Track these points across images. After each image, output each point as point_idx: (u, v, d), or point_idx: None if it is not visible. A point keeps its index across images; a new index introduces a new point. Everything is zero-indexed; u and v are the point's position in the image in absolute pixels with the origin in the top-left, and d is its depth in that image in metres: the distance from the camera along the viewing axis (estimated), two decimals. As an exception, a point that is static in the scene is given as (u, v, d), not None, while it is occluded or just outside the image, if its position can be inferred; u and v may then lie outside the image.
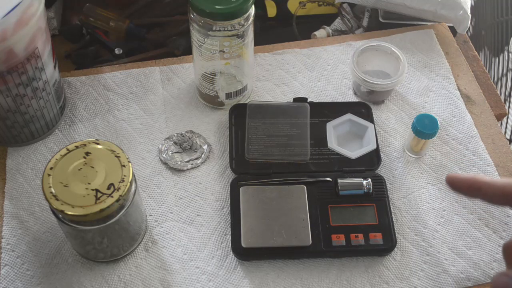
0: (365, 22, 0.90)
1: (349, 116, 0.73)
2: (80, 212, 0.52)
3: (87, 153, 0.56)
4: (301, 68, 0.80)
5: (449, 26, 0.86)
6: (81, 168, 0.55)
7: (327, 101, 0.77)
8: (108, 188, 0.54)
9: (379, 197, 0.66)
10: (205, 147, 0.71)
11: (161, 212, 0.66)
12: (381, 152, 0.71)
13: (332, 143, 0.71)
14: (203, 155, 0.70)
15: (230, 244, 0.62)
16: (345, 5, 0.91)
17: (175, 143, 0.71)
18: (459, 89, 0.79)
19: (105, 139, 0.65)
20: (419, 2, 0.81)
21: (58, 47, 0.84)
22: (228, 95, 0.73)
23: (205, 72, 0.71)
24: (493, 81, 0.94)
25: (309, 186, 0.66)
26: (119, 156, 0.56)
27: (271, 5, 0.92)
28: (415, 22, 0.87)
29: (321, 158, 0.70)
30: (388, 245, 0.62)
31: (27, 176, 0.68)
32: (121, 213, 0.55)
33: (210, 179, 0.69)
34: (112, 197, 0.53)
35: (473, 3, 1.01)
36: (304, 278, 0.61)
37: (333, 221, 0.64)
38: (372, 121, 0.73)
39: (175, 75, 0.79)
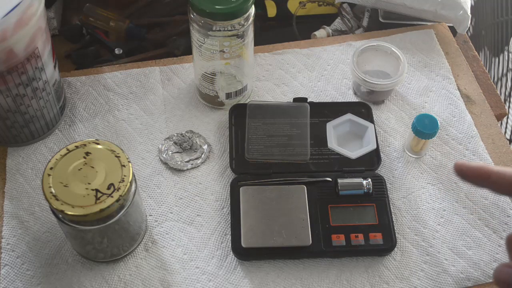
0: (365, 22, 0.90)
1: (349, 116, 0.73)
2: (80, 212, 0.52)
3: (87, 153, 0.56)
4: (301, 68, 0.80)
5: (449, 26, 0.86)
6: (81, 168, 0.55)
7: (327, 101, 0.77)
8: (108, 188, 0.54)
9: (379, 197, 0.66)
10: (205, 147, 0.71)
11: (161, 212, 0.66)
12: (381, 152, 0.71)
13: (332, 143, 0.71)
14: (203, 155, 0.70)
15: (230, 244, 0.62)
16: (345, 5, 0.91)
17: (175, 143, 0.71)
18: (459, 89, 0.79)
19: (105, 139, 0.65)
20: (419, 2, 0.81)
21: (58, 47, 0.84)
22: (228, 95, 0.73)
23: (205, 72, 0.71)
24: (493, 81, 0.94)
25: (309, 186, 0.66)
26: (119, 156, 0.56)
27: (271, 5, 0.92)
28: (415, 22, 0.87)
29: (321, 158, 0.70)
30: (388, 245, 0.62)
31: (27, 176, 0.68)
32: (121, 213, 0.55)
33: (210, 179, 0.69)
34: (112, 197, 0.53)
35: (473, 3, 1.01)
36: (304, 278, 0.61)
37: (333, 221, 0.64)
38: (372, 121, 0.73)
39: (175, 75, 0.79)
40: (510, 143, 0.95)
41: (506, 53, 1.02)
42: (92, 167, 0.55)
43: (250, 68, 0.73)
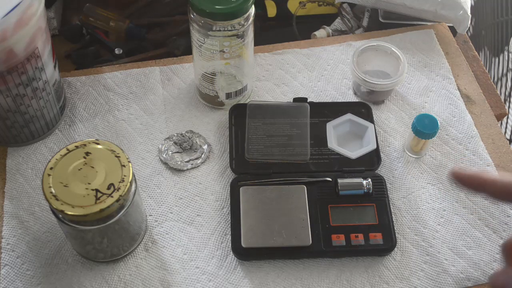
0: (365, 22, 0.90)
1: (349, 116, 0.73)
2: (80, 212, 0.52)
3: (87, 153, 0.56)
4: (301, 68, 0.80)
5: (449, 26, 0.86)
6: (81, 168, 0.55)
7: (327, 101, 0.77)
8: (108, 188, 0.54)
9: (379, 197, 0.66)
10: (205, 147, 0.71)
11: (161, 212, 0.66)
12: (381, 152, 0.71)
13: (332, 143, 0.71)
14: (203, 155, 0.70)
15: (230, 244, 0.62)
16: (345, 5, 0.91)
17: (175, 143, 0.71)
18: (459, 89, 0.79)
19: (105, 139, 0.65)
20: (419, 2, 0.81)
21: (58, 47, 0.84)
22: (228, 95, 0.73)
23: (205, 72, 0.71)
24: (493, 81, 0.94)
25: (309, 186, 0.66)
26: (119, 156, 0.56)
27: (271, 5, 0.92)
28: (415, 22, 0.87)
29: (321, 158, 0.70)
30: (388, 245, 0.62)
31: (27, 176, 0.68)
32: (121, 213, 0.55)
33: (210, 179, 0.69)
34: (112, 197, 0.53)
35: (473, 3, 1.01)
36: (304, 278, 0.61)
37: (333, 221, 0.64)
38: (372, 121, 0.73)
39: (175, 75, 0.79)
40: (510, 143, 0.95)
41: (506, 53, 1.02)
42: (92, 167, 0.55)
43: (250, 68, 0.73)
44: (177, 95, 0.76)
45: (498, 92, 0.84)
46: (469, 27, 0.85)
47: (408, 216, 0.66)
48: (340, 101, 0.77)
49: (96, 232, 0.56)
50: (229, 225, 0.64)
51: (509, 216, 0.67)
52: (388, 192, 0.67)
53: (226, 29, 0.64)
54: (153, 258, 0.62)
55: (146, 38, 0.87)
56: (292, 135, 0.71)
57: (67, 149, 0.56)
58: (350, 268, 0.62)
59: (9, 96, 0.63)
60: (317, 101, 0.76)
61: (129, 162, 0.56)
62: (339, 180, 0.66)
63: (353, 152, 0.70)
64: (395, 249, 0.63)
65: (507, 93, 1.00)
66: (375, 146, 0.70)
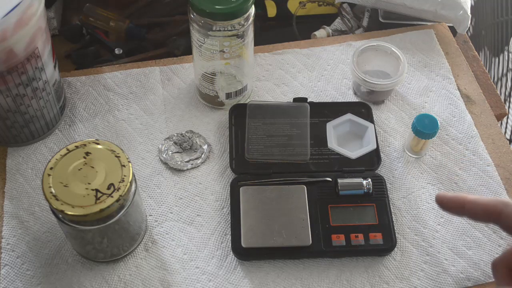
0: (365, 22, 0.90)
1: (349, 116, 0.73)
2: (80, 212, 0.52)
3: (87, 153, 0.56)
4: (301, 68, 0.80)
5: (449, 26, 0.86)
6: (81, 168, 0.55)
7: (327, 101, 0.77)
8: (108, 188, 0.54)
9: (379, 197, 0.66)
10: (205, 147, 0.71)
11: (161, 212, 0.66)
12: (381, 152, 0.71)
13: (332, 143, 0.71)
14: (203, 155, 0.70)
15: (230, 244, 0.62)
16: (345, 5, 0.91)
17: (175, 143, 0.71)
18: (459, 89, 0.79)
19: (105, 139, 0.65)
20: (419, 2, 0.81)
21: (58, 47, 0.84)
22: (228, 95, 0.73)
23: (205, 72, 0.71)
24: (493, 81, 0.94)
25: (309, 186, 0.66)
26: (119, 156, 0.56)
27: (271, 5, 0.92)
28: (415, 22, 0.87)
29: (321, 158, 0.70)
30: (388, 245, 0.62)
31: (27, 176, 0.68)
32: (121, 213, 0.55)
33: (210, 179, 0.69)
34: (112, 197, 0.53)
35: (473, 3, 1.01)
36: (304, 278, 0.61)
37: (333, 221, 0.64)
38: (372, 121, 0.73)
39: (175, 75, 0.79)
40: (510, 143, 0.95)
41: (506, 53, 1.02)
42: (92, 167, 0.55)
43: (250, 68, 0.73)
44: (177, 95, 0.76)
45: (498, 92, 0.84)
46: (469, 27, 0.85)
47: (408, 216, 0.66)
48: (340, 101, 0.77)
49: (96, 232, 0.56)
50: (229, 225, 0.64)
51: (509, 216, 0.67)
52: (388, 192, 0.67)
53: (226, 29, 0.64)
54: (153, 258, 0.62)
55: (146, 38, 0.87)
56: (292, 135, 0.71)
57: (67, 149, 0.56)
58: (350, 268, 0.62)
59: (9, 96, 0.63)
60: (317, 101, 0.76)
61: (129, 162, 0.56)
62: (339, 180, 0.66)
63: (353, 152, 0.70)
64: (395, 249, 0.63)
65: (507, 93, 1.00)
66: (375, 146, 0.70)
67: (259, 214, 0.63)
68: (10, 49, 0.59)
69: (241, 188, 0.65)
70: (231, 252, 0.63)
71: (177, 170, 0.69)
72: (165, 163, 0.70)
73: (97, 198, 0.53)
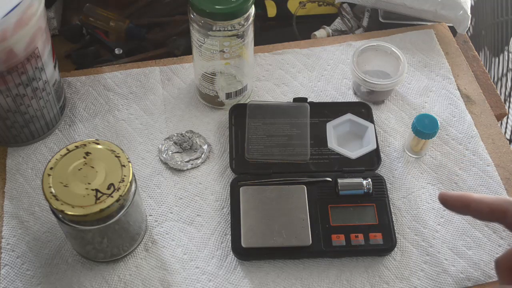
0: (365, 22, 0.90)
1: (349, 116, 0.73)
2: (80, 212, 0.52)
3: (87, 153, 0.56)
4: (301, 68, 0.80)
5: (449, 26, 0.86)
6: (81, 168, 0.55)
7: (327, 101, 0.77)
8: (108, 188, 0.54)
9: (379, 197, 0.66)
10: (205, 147, 0.71)
11: (161, 212, 0.66)
12: (381, 152, 0.71)
13: (332, 143, 0.71)
14: (203, 155, 0.70)
15: (230, 244, 0.62)
16: (345, 5, 0.91)
17: (175, 143, 0.71)
18: (459, 89, 0.79)
19: (105, 139, 0.65)
20: (419, 2, 0.81)
21: (58, 47, 0.84)
22: (228, 95, 0.73)
23: (205, 72, 0.71)
24: (493, 81, 0.94)
25: (309, 186, 0.66)
26: (119, 156, 0.56)
27: (271, 5, 0.92)
28: (415, 22, 0.87)
29: (321, 158, 0.70)
30: (388, 245, 0.62)
31: (27, 176, 0.68)
32: (121, 213, 0.55)
33: (210, 179, 0.69)
34: (112, 197, 0.53)
35: (473, 3, 1.01)
36: (304, 278, 0.61)
37: (333, 221, 0.64)
38: (372, 121, 0.73)
39: (175, 75, 0.79)
40: (510, 143, 0.95)
41: (506, 53, 1.02)
42: (92, 167, 0.55)
43: (250, 68, 0.73)
44: (177, 95, 0.76)
45: (498, 92, 0.84)
46: (469, 27, 0.85)
47: (408, 216, 0.66)
48: (340, 101, 0.77)
49: (96, 232, 0.56)
50: (229, 225, 0.64)
51: (509, 216, 0.67)
52: (388, 192, 0.67)
53: (226, 29, 0.64)
54: (153, 258, 0.62)
55: (146, 38, 0.87)
56: (292, 135, 0.71)
57: (67, 149, 0.56)
58: (350, 268, 0.62)
59: (9, 96, 0.63)
60: (317, 101, 0.76)
61: (129, 162, 0.56)
62: (339, 180, 0.66)
63: (353, 152, 0.70)
64: (395, 249, 0.63)
65: (507, 93, 1.00)
66: (375, 146, 0.70)
67: (259, 214, 0.63)
68: (10, 49, 0.59)
69: (241, 188, 0.65)
70: (231, 252, 0.63)
71: (177, 170, 0.69)
72: (165, 163, 0.70)
73: (97, 198, 0.53)
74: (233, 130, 0.71)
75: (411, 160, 0.71)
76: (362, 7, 0.91)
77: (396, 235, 0.63)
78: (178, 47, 0.84)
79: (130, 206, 0.56)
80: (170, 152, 0.70)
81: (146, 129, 0.73)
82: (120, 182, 0.54)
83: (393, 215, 0.65)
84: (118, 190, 0.53)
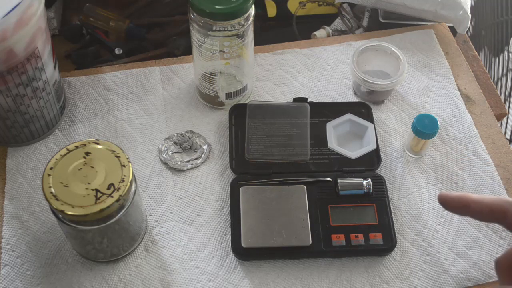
0: (365, 22, 0.90)
1: (349, 116, 0.73)
2: (80, 212, 0.52)
3: (87, 153, 0.56)
4: (301, 68, 0.80)
5: (449, 26, 0.86)
6: (81, 168, 0.55)
7: (327, 101, 0.77)
8: (108, 188, 0.54)
9: (379, 197, 0.66)
10: (205, 147, 0.71)
11: (161, 212, 0.66)
12: (381, 152, 0.71)
13: (332, 143, 0.71)
14: (203, 155, 0.70)
15: (230, 244, 0.62)
16: (345, 5, 0.91)
17: (175, 143, 0.71)
18: (459, 89, 0.79)
19: (105, 139, 0.65)
20: (419, 2, 0.81)
21: (58, 47, 0.84)
22: (228, 95, 0.73)
23: (205, 72, 0.71)
24: (493, 81, 0.94)
25: (309, 186, 0.66)
26: (119, 156, 0.56)
27: (271, 5, 0.92)
28: (415, 22, 0.87)
29: (321, 158, 0.70)
30: (388, 245, 0.62)
31: (27, 176, 0.68)
32: (121, 213, 0.55)
33: (210, 179, 0.69)
34: (112, 197, 0.53)
35: (473, 3, 1.01)
36: (304, 278, 0.61)
37: (333, 221, 0.64)
38: (372, 121, 0.73)
39: (175, 75, 0.79)
40: (510, 143, 0.95)
41: (506, 53, 1.02)
42: (92, 167, 0.55)
43: (250, 68, 0.73)
44: (177, 95, 0.76)
45: (498, 92, 0.84)
46: (469, 27, 0.85)
47: (408, 216, 0.66)
48: (340, 101, 0.77)
49: (96, 232, 0.56)
50: (229, 225, 0.64)
51: (509, 216, 0.67)
52: (388, 192, 0.67)
53: (226, 29, 0.64)
54: (153, 258, 0.62)
55: (146, 38, 0.87)
56: (292, 135, 0.71)
57: (67, 149, 0.56)
58: (350, 268, 0.62)
59: (9, 96, 0.63)
60: (317, 101, 0.76)
61: (129, 162, 0.56)
62: (339, 180, 0.66)
63: (353, 152, 0.70)
64: (395, 249, 0.63)
65: (507, 93, 1.00)
66: (375, 146, 0.70)
67: (259, 214, 0.63)
68: (10, 49, 0.59)
69: (241, 188, 0.65)
70: (231, 252, 0.63)
71: (177, 170, 0.69)
72: (165, 163, 0.70)
73: (97, 198, 0.53)
74: (233, 130, 0.71)
75: (411, 160, 0.71)
76: (362, 7, 0.91)
77: (396, 235, 0.63)
78: (178, 47, 0.84)
79: (130, 206, 0.56)
80: (170, 152, 0.70)
81: (146, 129, 0.73)
82: (120, 182, 0.54)
83: (393, 215, 0.65)
84: (118, 190, 0.53)
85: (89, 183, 0.54)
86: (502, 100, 0.83)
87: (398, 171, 0.70)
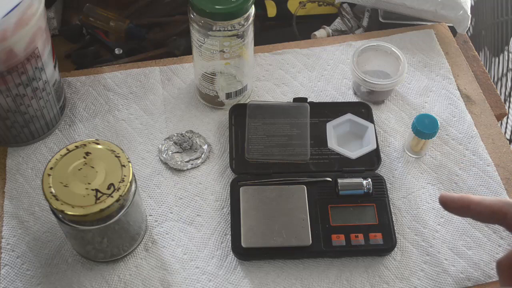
0: (365, 22, 0.90)
1: (349, 116, 0.73)
2: (80, 212, 0.52)
3: (87, 153, 0.56)
4: (301, 68, 0.80)
5: (449, 26, 0.86)
6: (81, 168, 0.55)
7: (327, 101, 0.77)
8: (108, 188, 0.54)
9: (379, 197, 0.66)
10: (205, 147, 0.71)
11: (161, 212, 0.66)
12: (381, 152, 0.71)
13: (332, 143, 0.71)
14: (203, 155, 0.70)
15: (230, 244, 0.62)
16: (345, 5, 0.91)
17: (175, 143, 0.71)
18: (459, 89, 0.79)
19: (105, 139, 0.65)
20: (419, 2, 0.81)
21: (58, 47, 0.84)
22: (228, 95, 0.73)
23: (205, 72, 0.71)
24: (493, 81, 0.94)
25: (309, 186, 0.66)
26: (119, 156, 0.56)
27: (271, 5, 0.92)
28: (415, 22, 0.87)
29: (321, 158, 0.70)
30: (388, 245, 0.62)
31: (27, 176, 0.68)
32: (121, 213, 0.55)
33: (210, 179, 0.69)
34: (112, 197, 0.53)
35: (473, 3, 1.01)
36: (304, 278, 0.61)
37: (333, 221, 0.64)
38: (372, 121, 0.73)
39: (175, 75, 0.79)
40: (510, 143, 0.95)
41: (506, 53, 1.02)
42: (92, 167, 0.55)
43: (250, 68, 0.73)
44: (177, 95, 0.76)
45: (498, 92, 0.84)
46: (469, 27, 0.85)
47: (408, 216, 0.66)
48: (340, 101, 0.77)
49: (96, 232, 0.56)
50: (229, 225, 0.64)
51: (509, 216, 0.67)
52: (388, 192, 0.67)
53: (226, 29, 0.64)
54: (153, 258, 0.62)
55: (146, 38, 0.87)
56: (292, 135, 0.71)
57: (67, 149, 0.56)
58: (350, 268, 0.62)
59: (9, 96, 0.63)
60: (317, 101, 0.76)
61: (129, 162, 0.56)
62: (339, 180, 0.66)
63: (353, 152, 0.70)
64: (395, 249, 0.63)
65: (507, 93, 1.00)
66: (375, 146, 0.70)
67: (259, 214, 0.63)
68: (10, 49, 0.59)
69: (241, 188, 0.65)
70: (231, 252, 0.63)
71: (177, 170, 0.69)
72: (165, 163, 0.70)
73: (97, 198, 0.53)
74: (233, 130, 0.71)
75: (411, 160, 0.71)
76: (362, 7, 0.91)
77: (396, 235, 0.63)
78: (178, 47, 0.84)
79: (130, 206, 0.56)
80: (170, 152, 0.70)
81: (146, 129, 0.73)
82: (120, 182, 0.54)
83: (393, 215, 0.65)
84: (118, 190, 0.53)
85: (89, 183, 0.54)
86: (502, 100, 0.83)
87: (398, 171, 0.70)
